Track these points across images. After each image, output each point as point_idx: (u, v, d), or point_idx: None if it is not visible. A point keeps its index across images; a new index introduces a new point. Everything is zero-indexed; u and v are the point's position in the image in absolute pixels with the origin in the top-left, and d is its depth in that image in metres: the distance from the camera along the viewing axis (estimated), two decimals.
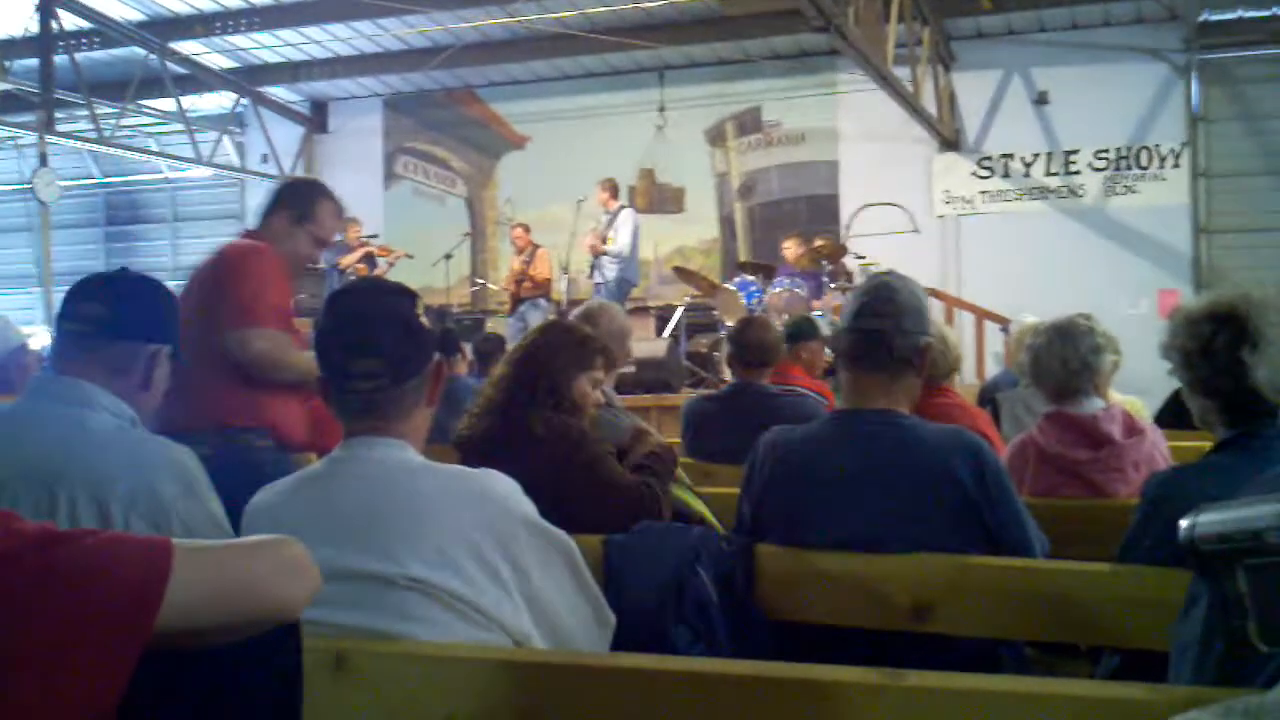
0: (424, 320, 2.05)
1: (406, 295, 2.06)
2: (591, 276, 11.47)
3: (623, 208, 11.53)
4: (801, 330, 5.52)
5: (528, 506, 1.99)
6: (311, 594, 1.38)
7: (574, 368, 3.04)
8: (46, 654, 1.11)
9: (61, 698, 1.12)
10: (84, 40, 13.44)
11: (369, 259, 12.47)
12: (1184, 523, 1.31)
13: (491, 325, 11.80)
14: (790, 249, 10.60)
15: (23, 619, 1.11)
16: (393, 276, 12.20)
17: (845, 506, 2.51)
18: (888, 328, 2.59)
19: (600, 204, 11.50)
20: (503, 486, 1.98)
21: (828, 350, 7.74)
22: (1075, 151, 12.89)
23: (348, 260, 12.42)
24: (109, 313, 2.28)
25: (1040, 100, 12.96)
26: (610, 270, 11.30)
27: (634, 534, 2.58)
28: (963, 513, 2.46)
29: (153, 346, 2.35)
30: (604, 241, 11.22)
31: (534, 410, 2.92)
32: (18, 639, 1.10)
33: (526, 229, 12.39)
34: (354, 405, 2.00)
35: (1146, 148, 12.65)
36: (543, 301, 11.98)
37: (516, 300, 11.99)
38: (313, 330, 2.12)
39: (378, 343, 1.98)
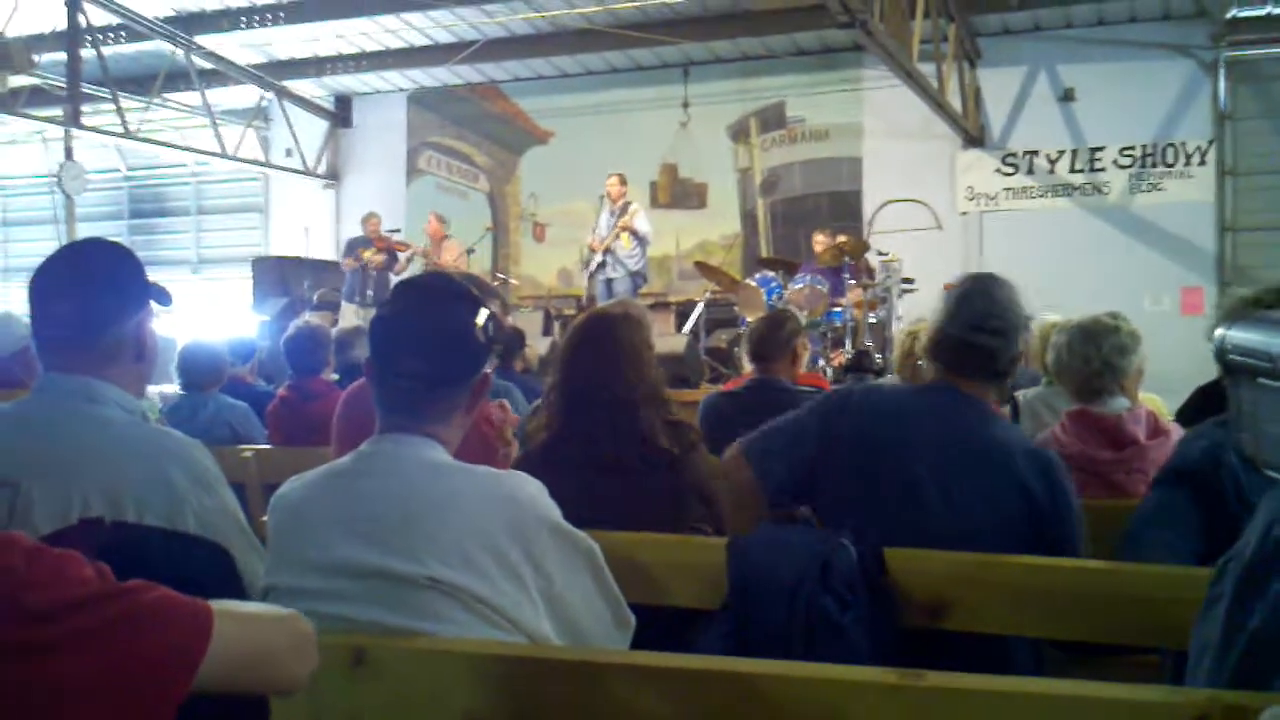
0: (480, 332, 2.00)
1: (469, 302, 2.01)
2: (596, 274, 11.46)
3: (629, 202, 11.60)
4: None
5: (553, 510, 1.98)
6: (311, 672, 1.43)
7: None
8: (91, 705, 1.14)
9: None
10: (110, 35, 13.51)
11: (390, 253, 12.54)
12: (1219, 330, 1.40)
13: None
14: (820, 243, 10.60)
15: (76, 668, 1.13)
16: (412, 268, 12.33)
17: (919, 468, 2.55)
18: (998, 346, 2.64)
19: (612, 198, 11.50)
20: (529, 489, 1.97)
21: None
22: (1100, 148, 12.80)
23: (370, 255, 12.47)
24: (81, 307, 2.16)
25: (1066, 97, 12.87)
26: (633, 261, 11.34)
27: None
28: (1027, 520, 2.51)
29: (135, 319, 2.22)
30: (617, 236, 11.26)
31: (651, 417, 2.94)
32: (68, 686, 1.13)
33: (440, 218, 12.56)
34: (391, 399, 1.99)
35: (1172, 145, 12.54)
36: None
37: None
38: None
39: (425, 345, 1.97)
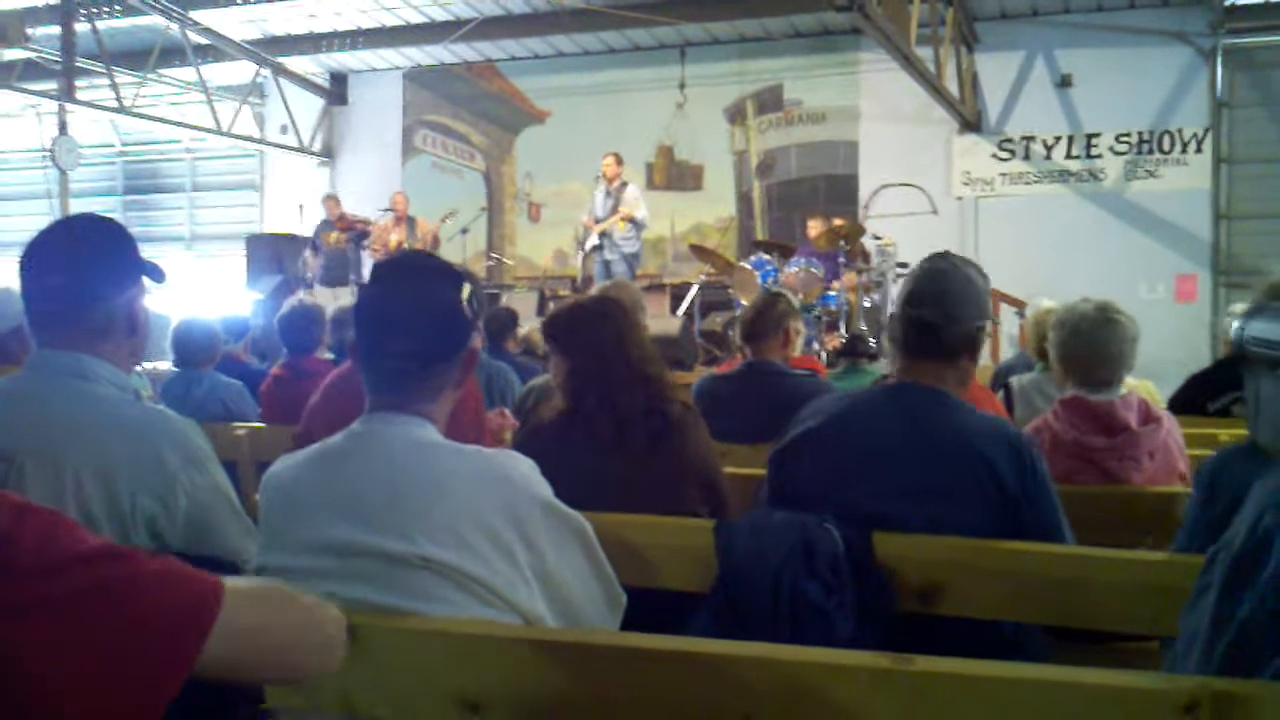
0: (466, 307, 1.99)
1: (452, 279, 2.01)
2: (593, 254, 11.39)
3: (625, 182, 11.50)
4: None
5: (544, 488, 1.98)
6: (335, 666, 1.36)
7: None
8: (90, 670, 1.09)
9: (99, 715, 1.10)
10: (105, 8, 13.44)
11: (356, 233, 12.58)
12: (1236, 322, 1.42)
13: None
14: (814, 228, 10.59)
15: (71, 632, 1.08)
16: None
17: (879, 479, 2.50)
18: (937, 318, 2.59)
19: (607, 178, 11.42)
20: (521, 468, 1.97)
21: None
22: (1097, 135, 12.81)
23: (335, 238, 12.50)
24: (75, 281, 2.14)
25: (1064, 83, 12.87)
26: (628, 245, 11.27)
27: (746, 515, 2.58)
28: (998, 505, 2.44)
29: (127, 295, 2.21)
30: (615, 223, 11.21)
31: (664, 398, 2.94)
32: (64, 651, 1.07)
33: (406, 199, 12.53)
34: (380, 380, 1.99)
35: (1169, 132, 12.55)
36: None
37: None
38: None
39: (412, 325, 1.96)
